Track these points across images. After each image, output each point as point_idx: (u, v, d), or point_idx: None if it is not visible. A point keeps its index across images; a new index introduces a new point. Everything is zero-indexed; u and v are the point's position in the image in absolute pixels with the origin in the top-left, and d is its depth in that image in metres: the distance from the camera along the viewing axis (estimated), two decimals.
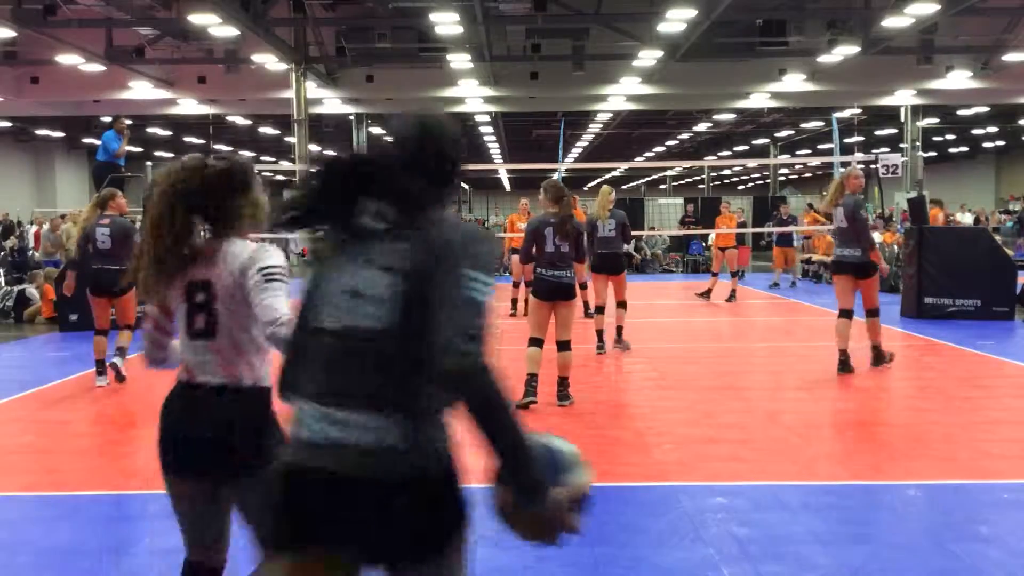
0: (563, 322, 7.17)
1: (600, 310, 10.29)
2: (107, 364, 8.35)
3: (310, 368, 2.17)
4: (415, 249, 2.01)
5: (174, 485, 2.91)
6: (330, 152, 4.30)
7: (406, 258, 2.01)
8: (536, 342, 7.15)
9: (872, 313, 8.55)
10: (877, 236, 19.90)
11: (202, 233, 2.83)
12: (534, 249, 7.22)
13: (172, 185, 2.76)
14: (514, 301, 13.62)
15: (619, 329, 10.23)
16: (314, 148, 40.86)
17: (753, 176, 65.91)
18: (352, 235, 2.09)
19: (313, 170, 2.16)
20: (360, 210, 2.09)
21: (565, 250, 7.13)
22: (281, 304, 2.72)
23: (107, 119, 13.52)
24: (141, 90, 27.23)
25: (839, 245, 8.67)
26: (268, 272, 2.77)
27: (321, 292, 2.11)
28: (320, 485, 2.02)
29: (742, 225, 23.64)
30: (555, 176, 15.53)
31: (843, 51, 23.52)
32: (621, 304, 10.27)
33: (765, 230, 21.33)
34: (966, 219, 30.70)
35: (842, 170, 17.39)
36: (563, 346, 7.15)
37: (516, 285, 13.81)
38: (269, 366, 2.81)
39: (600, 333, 10.04)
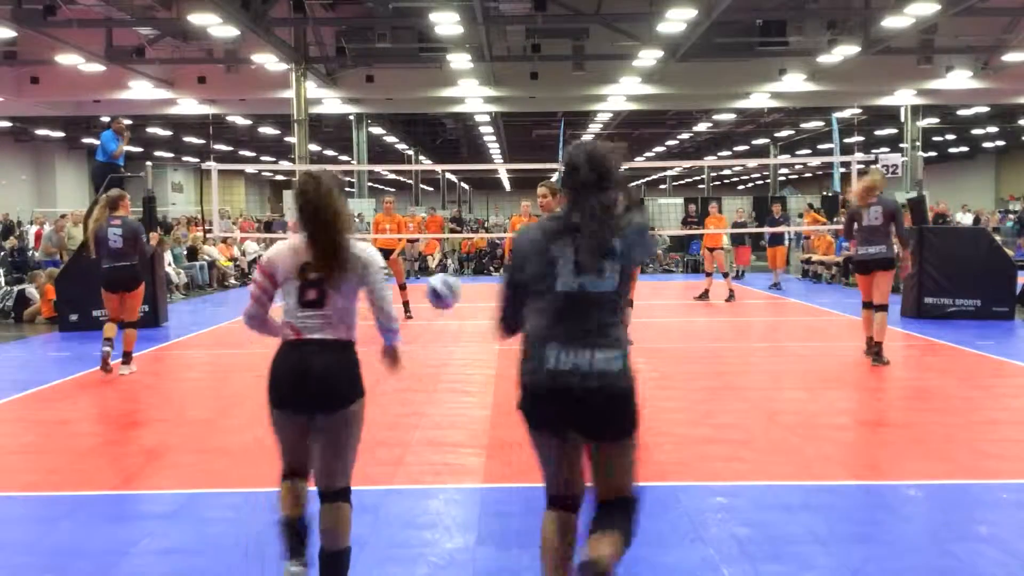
0: None
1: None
2: (109, 347, 8.68)
3: (553, 320, 3.12)
4: (622, 242, 3.11)
5: (280, 417, 3.61)
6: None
7: (620, 248, 3.10)
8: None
9: (882, 308, 8.75)
10: None
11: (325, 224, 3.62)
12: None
13: (305, 200, 3.59)
14: None
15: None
16: (314, 148, 40.93)
17: (753, 176, 65.92)
18: (571, 231, 3.10)
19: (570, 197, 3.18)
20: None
21: None
22: (390, 303, 3.77)
23: (107, 119, 13.49)
24: (141, 90, 27.23)
25: (865, 244, 8.76)
26: (381, 273, 3.73)
27: (557, 269, 3.11)
28: (566, 394, 3.11)
29: (743, 225, 23.69)
30: (555, 177, 15.56)
31: (843, 51, 23.53)
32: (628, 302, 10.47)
33: (759, 230, 21.31)
34: (966, 219, 30.69)
35: (843, 170, 17.30)
36: None
37: None
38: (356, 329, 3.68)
39: None
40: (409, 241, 17.80)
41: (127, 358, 8.85)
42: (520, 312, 3.26)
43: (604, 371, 3.11)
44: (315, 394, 3.50)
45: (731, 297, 15.68)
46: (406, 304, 13.24)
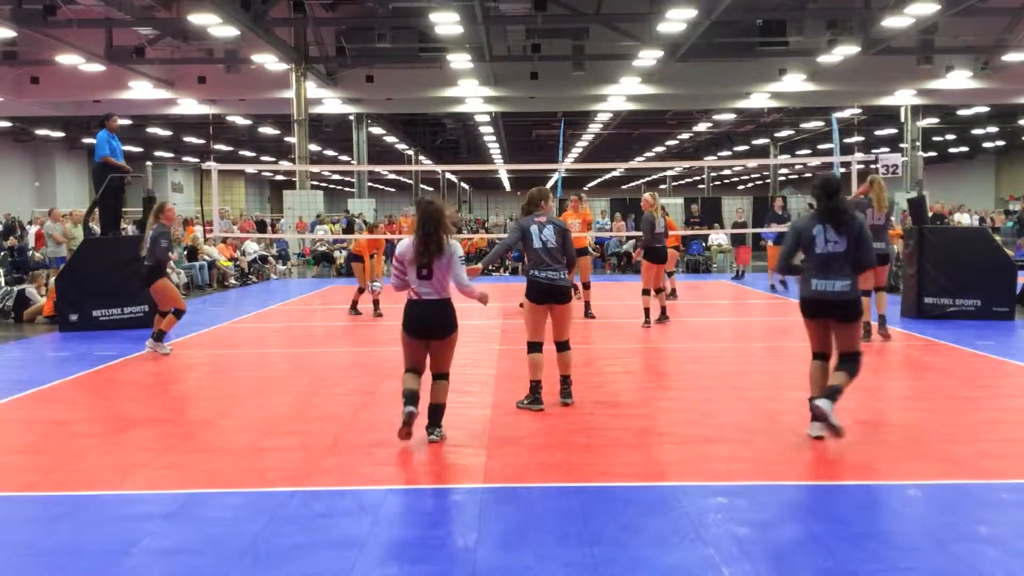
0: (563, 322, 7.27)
1: (647, 292, 12.12)
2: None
3: (826, 271, 6.09)
4: (851, 227, 6.11)
5: (410, 341, 6.10)
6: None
7: (851, 228, 6.08)
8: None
9: (882, 289, 10.37)
10: None
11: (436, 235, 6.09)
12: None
13: (425, 217, 6.00)
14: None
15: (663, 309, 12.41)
16: (314, 148, 40.92)
17: (753, 176, 65.91)
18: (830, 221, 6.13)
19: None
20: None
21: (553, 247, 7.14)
22: (463, 273, 6.14)
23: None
24: (141, 90, 27.23)
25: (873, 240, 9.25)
26: (460, 256, 6.13)
27: (818, 241, 6.12)
28: (826, 303, 6.13)
29: (743, 225, 23.69)
30: (555, 177, 15.51)
31: (843, 51, 23.52)
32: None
33: (765, 230, 21.13)
34: (966, 219, 30.68)
35: (843, 170, 17.34)
36: (564, 346, 7.23)
37: None
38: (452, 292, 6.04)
39: (648, 311, 12.09)
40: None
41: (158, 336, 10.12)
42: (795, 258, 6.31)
43: (844, 289, 6.06)
44: (431, 329, 6.06)
45: (672, 294, 14.81)
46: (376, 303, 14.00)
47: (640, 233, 12.72)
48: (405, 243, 6.06)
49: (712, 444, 6.10)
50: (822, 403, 5.88)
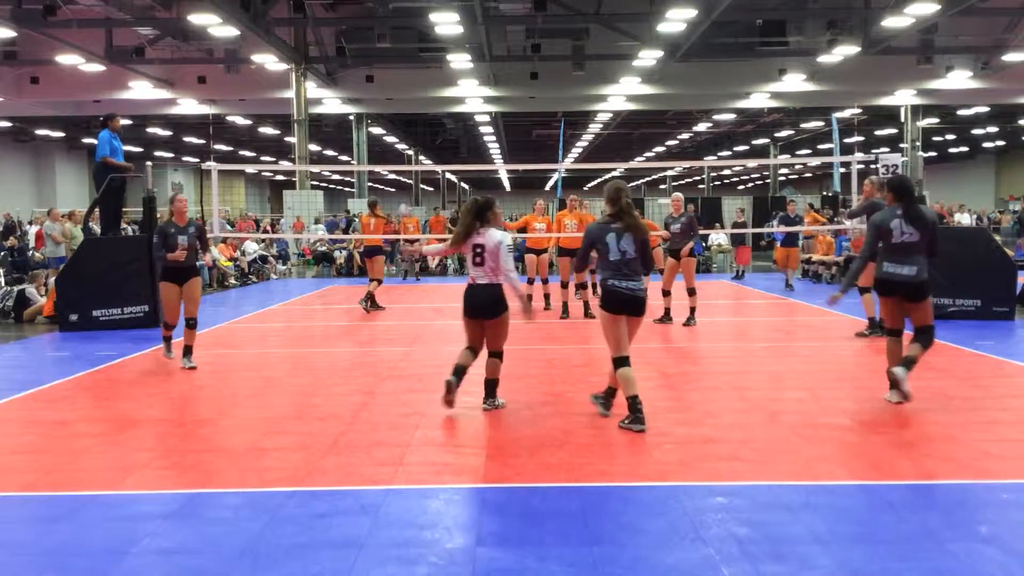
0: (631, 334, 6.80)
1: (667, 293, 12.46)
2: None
3: (898, 256, 7.06)
4: (924, 221, 7.09)
5: (468, 321, 6.99)
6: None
7: (924, 223, 7.05)
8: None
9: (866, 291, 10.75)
10: None
11: (478, 225, 6.98)
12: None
13: (470, 208, 7.04)
14: (529, 297, 13.40)
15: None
16: (314, 148, 40.93)
17: (753, 176, 65.93)
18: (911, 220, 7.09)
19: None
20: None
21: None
22: (510, 264, 6.93)
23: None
24: (141, 90, 27.24)
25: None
26: (506, 246, 6.93)
27: (895, 232, 7.04)
28: (895, 283, 7.10)
29: (743, 225, 23.67)
30: (555, 177, 15.48)
31: (843, 51, 23.52)
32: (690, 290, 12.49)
33: (774, 230, 21.07)
34: (966, 219, 30.69)
35: (843, 170, 17.26)
36: (626, 361, 6.68)
37: (531, 282, 13.72)
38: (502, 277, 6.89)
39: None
40: (407, 242, 17.87)
41: (187, 352, 9.37)
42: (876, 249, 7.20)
43: (911, 273, 6.92)
44: (484, 309, 6.90)
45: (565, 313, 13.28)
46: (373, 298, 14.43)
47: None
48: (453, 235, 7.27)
49: (712, 444, 6.10)
50: (898, 370, 6.97)
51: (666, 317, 12.39)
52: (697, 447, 6.05)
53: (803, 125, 40.10)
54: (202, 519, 4.78)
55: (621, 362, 6.62)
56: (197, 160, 45.22)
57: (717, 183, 64.81)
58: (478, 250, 6.87)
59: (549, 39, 25.15)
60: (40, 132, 38.58)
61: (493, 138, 42.56)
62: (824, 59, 24.58)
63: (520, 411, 7.09)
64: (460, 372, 6.94)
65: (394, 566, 4.11)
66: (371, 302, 14.27)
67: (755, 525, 4.54)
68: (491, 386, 7.13)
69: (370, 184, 37.87)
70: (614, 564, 4.06)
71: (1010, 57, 25.03)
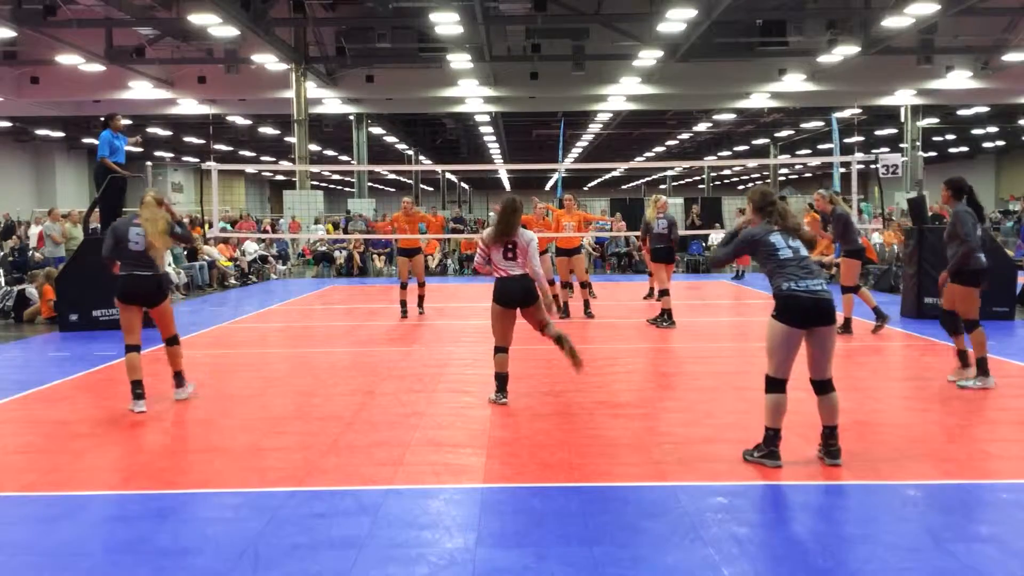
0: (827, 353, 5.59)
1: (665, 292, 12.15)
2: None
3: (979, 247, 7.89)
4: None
5: (501, 310, 7.29)
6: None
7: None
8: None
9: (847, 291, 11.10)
10: (877, 237, 19.88)
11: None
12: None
13: (513, 207, 7.33)
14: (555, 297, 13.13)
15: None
16: (314, 148, 40.91)
17: (753, 176, 65.89)
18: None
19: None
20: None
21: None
22: (537, 260, 7.30)
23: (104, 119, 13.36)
24: (141, 90, 27.23)
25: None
26: (535, 244, 7.34)
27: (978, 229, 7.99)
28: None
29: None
30: (555, 176, 15.47)
31: (843, 51, 23.52)
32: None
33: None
34: None
35: (843, 170, 17.28)
36: (826, 387, 5.71)
37: (555, 283, 13.32)
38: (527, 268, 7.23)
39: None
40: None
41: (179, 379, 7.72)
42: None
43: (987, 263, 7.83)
44: (518, 300, 7.22)
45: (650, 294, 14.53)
46: (403, 303, 13.67)
47: (637, 232, 12.70)
48: (489, 232, 7.41)
49: (712, 444, 6.10)
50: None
51: (668, 319, 11.97)
52: (697, 447, 6.05)
53: (803, 125, 40.09)
54: (202, 519, 4.78)
55: (778, 385, 5.57)
56: (197, 160, 45.21)
57: (717, 183, 64.77)
58: (510, 246, 7.23)
59: (549, 39, 25.14)
60: (40, 132, 38.57)
61: (493, 138, 42.55)
62: (824, 59, 24.58)
63: (520, 411, 7.08)
64: (504, 381, 7.33)
65: (394, 566, 4.11)
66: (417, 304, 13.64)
67: (755, 525, 4.54)
68: (561, 341, 7.28)
69: (370, 184, 37.84)
70: (614, 564, 4.06)
71: (1010, 57, 25.02)
